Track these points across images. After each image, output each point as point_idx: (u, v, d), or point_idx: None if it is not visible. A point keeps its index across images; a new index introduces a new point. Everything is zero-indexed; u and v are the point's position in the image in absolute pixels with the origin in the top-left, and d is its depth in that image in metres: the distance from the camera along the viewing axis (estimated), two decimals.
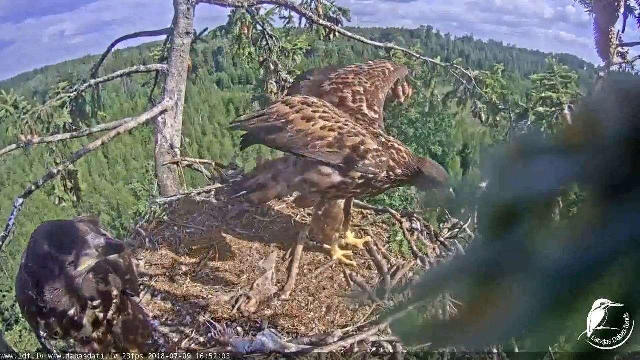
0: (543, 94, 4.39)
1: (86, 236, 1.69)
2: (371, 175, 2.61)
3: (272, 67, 4.91)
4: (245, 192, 2.93)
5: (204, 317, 2.63)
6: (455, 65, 5.02)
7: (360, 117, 2.81)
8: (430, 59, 5.13)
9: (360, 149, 2.54)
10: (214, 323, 2.55)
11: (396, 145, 2.70)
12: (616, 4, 2.99)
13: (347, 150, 2.53)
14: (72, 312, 1.78)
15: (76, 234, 1.69)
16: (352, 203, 3.32)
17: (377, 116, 2.90)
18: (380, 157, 2.59)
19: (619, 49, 3.35)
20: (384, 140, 2.71)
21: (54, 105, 4.49)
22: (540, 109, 4.36)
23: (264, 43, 4.97)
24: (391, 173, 2.65)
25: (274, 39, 4.94)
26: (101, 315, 1.87)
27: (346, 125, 2.57)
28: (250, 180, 2.96)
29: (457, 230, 3.64)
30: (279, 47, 4.93)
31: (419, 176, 2.65)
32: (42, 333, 1.83)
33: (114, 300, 1.90)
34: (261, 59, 4.99)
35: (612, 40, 3.18)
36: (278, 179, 2.81)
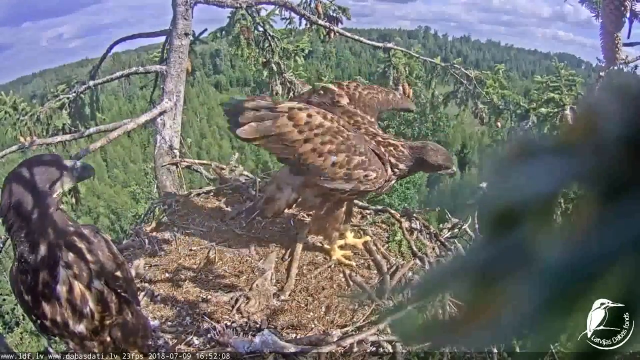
0: (546, 96, 4.38)
1: (56, 163, 1.74)
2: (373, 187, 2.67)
3: (275, 68, 4.88)
4: (258, 211, 3.05)
5: (203, 317, 2.63)
6: (455, 65, 5.00)
7: (360, 120, 2.84)
8: (430, 59, 5.10)
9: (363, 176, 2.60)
10: (214, 323, 2.54)
11: (392, 142, 2.74)
12: (622, 8, 3.00)
13: (355, 180, 2.59)
14: (43, 251, 1.69)
15: (46, 166, 1.72)
16: (353, 203, 3.33)
17: (372, 119, 2.94)
18: (378, 168, 2.63)
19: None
20: (380, 139, 2.74)
21: (52, 107, 4.47)
22: (543, 110, 4.35)
23: (266, 44, 4.94)
24: (395, 169, 2.71)
25: (276, 39, 4.92)
26: (76, 286, 1.76)
27: (349, 143, 2.59)
28: (260, 200, 3.09)
29: (457, 230, 3.64)
30: (281, 48, 4.91)
31: (423, 163, 2.71)
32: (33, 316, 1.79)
33: (93, 268, 1.79)
34: (264, 60, 4.96)
35: (619, 44, 3.19)
36: (281, 187, 2.86)
